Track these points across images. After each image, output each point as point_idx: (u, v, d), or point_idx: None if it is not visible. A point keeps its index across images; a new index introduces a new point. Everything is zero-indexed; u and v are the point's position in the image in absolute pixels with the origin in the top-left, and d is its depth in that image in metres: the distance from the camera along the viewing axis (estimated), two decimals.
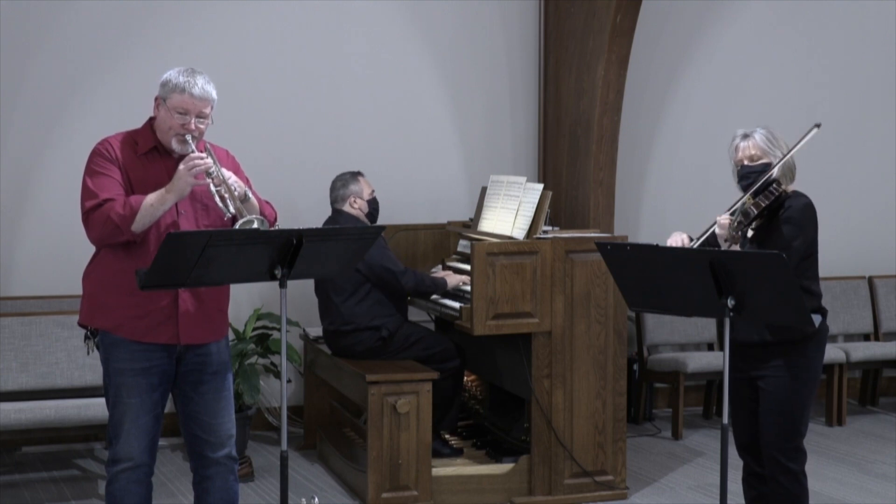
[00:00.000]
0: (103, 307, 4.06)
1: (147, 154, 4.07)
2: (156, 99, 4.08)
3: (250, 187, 4.20)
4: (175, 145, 4.06)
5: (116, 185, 3.99)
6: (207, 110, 4.06)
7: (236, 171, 4.23)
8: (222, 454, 4.22)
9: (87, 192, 4.00)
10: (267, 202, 4.30)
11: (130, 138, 4.10)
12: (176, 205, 4.02)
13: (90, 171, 4.03)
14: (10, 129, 6.53)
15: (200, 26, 6.80)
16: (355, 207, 6.15)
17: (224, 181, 3.99)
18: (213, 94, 4.08)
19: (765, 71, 7.91)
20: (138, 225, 3.94)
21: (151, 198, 3.95)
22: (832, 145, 8.01)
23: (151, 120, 4.14)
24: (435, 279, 6.06)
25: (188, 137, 4.02)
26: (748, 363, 4.40)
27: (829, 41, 8.06)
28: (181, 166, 3.95)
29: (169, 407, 4.22)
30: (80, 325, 4.15)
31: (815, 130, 4.28)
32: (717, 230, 4.28)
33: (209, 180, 3.98)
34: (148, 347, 4.05)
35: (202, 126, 4.06)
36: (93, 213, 3.97)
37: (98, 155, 4.04)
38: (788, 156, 4.30)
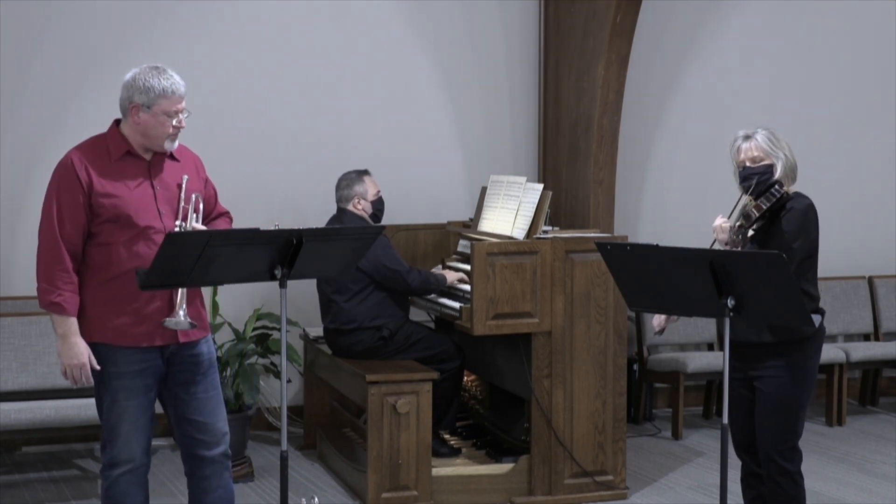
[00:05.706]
0: (97, 321, 4.03)
1: (120, 159, 4.06)
2: (133, 107, 4.04)
3: (216, 198, 4.31)
4: (168, 144, 4.08)
5: (77, 228, 3.97)
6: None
7: (205, 182, 4.25)
8: (218, 452, 4.21)
9: (47, 217, 3.98)
10: (225, 213, 4.36)
11: (102, 146, 4.08)
12: (157, 207, 4.04)
13: (56, 190, 4.00)
14: (9, 129, 6.53)
15: (201, 27, 6.78)
16: (359, 209, 6.16)
17: (184, 219, 4.08)
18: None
19: (765, 71, 7.91)
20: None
21: (60, 322, 3.96)
22: (832, 145, 8.01)
23: (117, 123, 4.13)
24: (437, 275, 6.10)
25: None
26: (745, 363, 4.40)
27: (829, 41, 8.05)
28: (69, 363, 3.97)
29: (157, 408, 4.20)
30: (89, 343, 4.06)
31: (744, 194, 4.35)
32: (719, 235, 4.30)
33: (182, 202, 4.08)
34: (144, 350, 4.05)
35: (185, 118, 4.10)
36: (43, 246, 3.98)
37: (65, 175, 4.01)
38: (738, 208, 4.31)
